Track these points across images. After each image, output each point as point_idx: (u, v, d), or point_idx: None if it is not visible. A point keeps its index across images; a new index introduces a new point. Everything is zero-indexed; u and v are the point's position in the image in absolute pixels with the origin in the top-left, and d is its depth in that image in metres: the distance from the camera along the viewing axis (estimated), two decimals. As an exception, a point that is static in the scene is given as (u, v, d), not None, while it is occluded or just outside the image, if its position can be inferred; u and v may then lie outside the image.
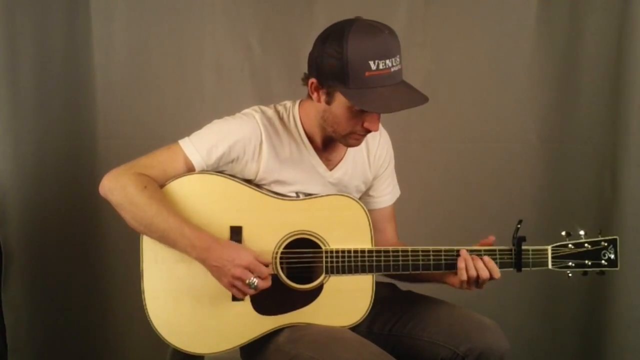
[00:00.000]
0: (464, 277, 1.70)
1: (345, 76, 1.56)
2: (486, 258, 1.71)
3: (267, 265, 1.64)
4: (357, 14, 2.48)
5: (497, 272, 1.70)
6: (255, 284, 1.60)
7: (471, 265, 1.70)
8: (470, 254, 1.71)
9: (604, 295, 2.51)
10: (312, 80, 1.64)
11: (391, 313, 1.82)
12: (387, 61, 1.55)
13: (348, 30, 1.56)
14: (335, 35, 1.58)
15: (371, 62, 1.54)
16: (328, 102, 1.64)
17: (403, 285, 1.92)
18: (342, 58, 1.55)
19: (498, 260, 1.74)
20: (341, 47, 1.55)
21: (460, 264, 1.70)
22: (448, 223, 2.58)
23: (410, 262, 1.73)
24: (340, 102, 1.61)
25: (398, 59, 1.58)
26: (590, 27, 2.49)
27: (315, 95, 1.66)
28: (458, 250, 1.72)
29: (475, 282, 1.71)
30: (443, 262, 1.73)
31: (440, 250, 1.73)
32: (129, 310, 2.49)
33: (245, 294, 1.63)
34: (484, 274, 1.69)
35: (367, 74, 1.54)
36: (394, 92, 1.57)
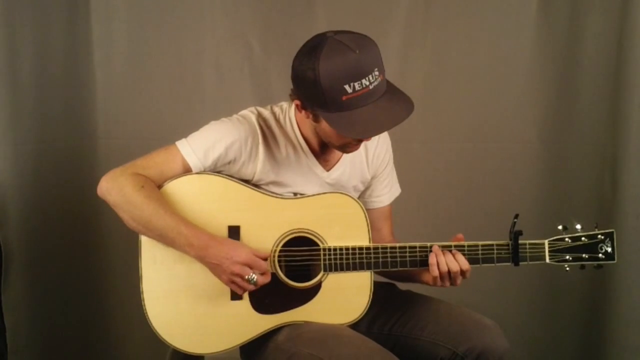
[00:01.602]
0: (436, 272, 1.70)
1: (323, 101, 1.53)
2: (454, 251, 1.72)
3: (265, 259, 1.65)
4: (357, 14, 2.52)
5: (465, 264, 1.70)
6: (255, 279, 1.60)
7: (442, 259, 1.70)
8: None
9: (604, 295, 2.50)
10: (296, 102, 1.64)
11: (390, 313, 1.82)
12: (364, 80, 1.51)
13: (319, 54, 1.51)
14: (307, 59, 1.54)
15: (346, 86, 1.50)
16: (315, 121, 1.64)
17: (402, 285, 1.92)
18: (316, 84, 1.52)
19: (495, 255, 1.74)
20: (314, 73, 1.51)
21: (432, 259, 1.71)
22: (448, 223, 2.58)
23: (407, 259, 1.73)
24: (326, 122, 1.60)
25: (377, 72, 1.53)
26: (590, 27, 2.49)
27: (302, 114, 1.66)
28: (454, 246, 1.73)
29: (448, 276, 1.71)
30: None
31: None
32: (128, 311, 2.49)
33: (245, 291, 1.63)
34: (454, 266, 1.69)
35: (344, 97, 1.51)
36: (376, 110, 1.54)
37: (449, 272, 1.70)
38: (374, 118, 1.54)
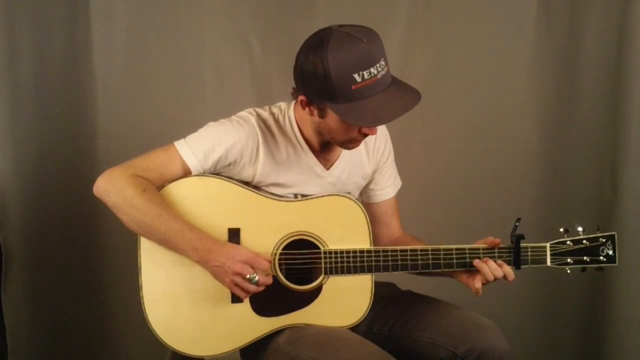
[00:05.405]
0: (483, 281, 1.70)
1: (331, 93, 1.53)
2: (499, 262, 1.71)
3: (268, 261, 1.64)
4: (357, 14, 2.52)
5: (511, 275, 1.70)
6: (256, 279, 1.59)
7: (488, 271, 1.69)
8: (483, 256, 1.72)
9: (604, 295, 2.50)
10: (302, 97, 1.63)
11: (391, 313, 1.81)
12: (372, 69, 1.52)
13: (326, 45, 1.52)
14: (314, 51, 1.54)
15: (355, 75, 1.51)
16: (321, 116, 1.63)
17: (402, 285, 1.92)
18: (325, 75, 1.52)
19: (497, 259, 1.73)
20: (322, 64, 1.51)
21: (478, 275, 1.70)
22: (448, 223, 2.58)
23: (409, 262, 1.73)
24: (333, 115, 1.60)
25: (383, 62, 1.55)
26: (590, 27, 2.48)
27: (307, 110, 1.65)
28: (455, 249, 1.72)
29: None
30: (442, 261, 1.73)
31: (439, 250, 1.73)
32: (129, 311, 2.48)
33: (247, 292, 1.62)
34: (499, 274, 1.69)
35: (353, 87, 1.52)
36: (385, 99, 1.55)
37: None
38: (384, 106, 1.54)
